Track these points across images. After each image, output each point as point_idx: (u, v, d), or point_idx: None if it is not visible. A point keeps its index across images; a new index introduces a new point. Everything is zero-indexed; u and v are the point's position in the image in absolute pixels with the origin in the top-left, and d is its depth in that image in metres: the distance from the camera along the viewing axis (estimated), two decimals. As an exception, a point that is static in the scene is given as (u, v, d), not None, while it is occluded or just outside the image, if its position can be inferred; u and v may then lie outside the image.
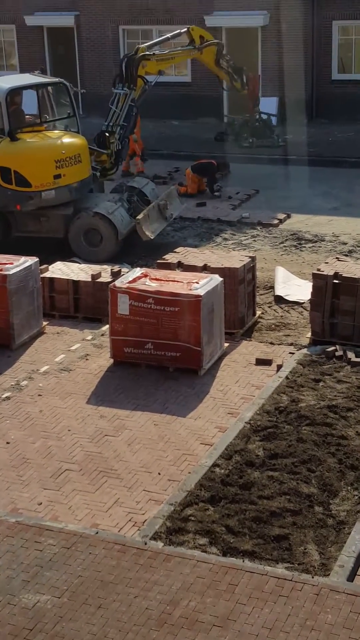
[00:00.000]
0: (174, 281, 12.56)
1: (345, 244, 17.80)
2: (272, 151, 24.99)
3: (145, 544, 8.65)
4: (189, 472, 9.88)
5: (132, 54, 19.38)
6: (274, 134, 26.07)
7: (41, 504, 9.55)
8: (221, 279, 12.80)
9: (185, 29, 21.77)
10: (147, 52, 19.41)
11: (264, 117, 26.54)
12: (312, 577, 8.01)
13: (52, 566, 8.40)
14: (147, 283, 12.51)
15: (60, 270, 14.88)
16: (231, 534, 8.75)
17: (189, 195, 20.81)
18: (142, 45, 19.68)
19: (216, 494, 9.35)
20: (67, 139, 17.62)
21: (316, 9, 27.30)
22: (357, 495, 9.32)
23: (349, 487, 9.46)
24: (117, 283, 12.59)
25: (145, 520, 9.15)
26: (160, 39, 21.09)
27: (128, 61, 19.15)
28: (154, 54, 19.58)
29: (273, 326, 14.27)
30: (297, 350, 12.88)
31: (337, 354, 12.41)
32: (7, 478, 10.03)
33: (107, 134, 18.68)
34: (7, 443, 10.75)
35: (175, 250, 14.78)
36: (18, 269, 13.36)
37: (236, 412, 11.20)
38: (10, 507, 9.47)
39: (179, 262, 13.92)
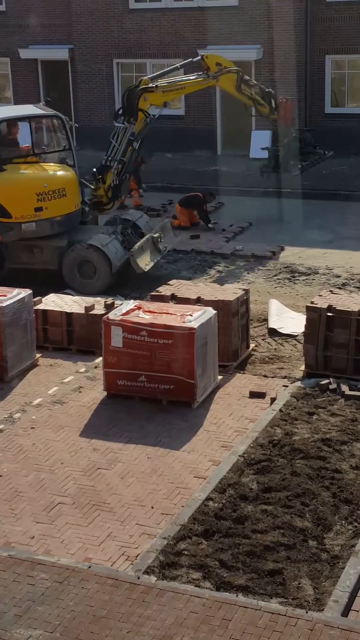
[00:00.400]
0: (168, 313, 12.58)
1: (338, 276, 17.86)
2: (292, 184, 25.05)
3: (138, 578, 8.59)
4: (183, 506, 9.84)
5: (134, 86, 19.11)
6: (317, 148, 23.53)
7: (34, 537, 9.49)
8: (215, 311, 12.83)
9: (200, 57, 20.77)
10: (150, 85, 18.95)
11: (304, 135, 23.49)
12: (306, 612, 7.95)
13: (45, 601, 8.34)
14: (140, 315, 12.53)
15: (54, 302, 14.90)
16: (225, 569, 8.70)
17: (183, 227, 20.90)
18: (145, 77, 19.32)
19: (210, 527, 9.30)
20: (53, 172, 17.67)
21: (309, 43, 27.62)
22: (351, 530, 9.28)
23: (343, 521, 9.42)
24: (111, 315, 12.60)
25: (139, 554, 9.10)
26: (168, 69, 20.31)
27: (129, 94, 18.86)
28: (156, 85, 19.06)
29: (267, 359, 14.28)
30: (291, 383, 12.87)
31: (330, 386, 12.41)
32: (-1, 511, 9.97)
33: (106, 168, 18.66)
34: (0, 476, 10.70)
35: (169, 282, 14.82)
36: (11, 301, 13.37)
37: (230, 445, 11.17)
38: (3, 541, 9.41)
39: (173, 294, 13.95)
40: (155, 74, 19.91)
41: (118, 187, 18.82)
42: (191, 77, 20.15)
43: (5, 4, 30.94)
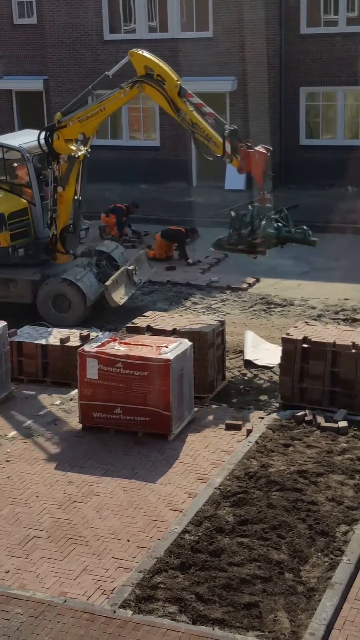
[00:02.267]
0: (143, 345, 12.60)
1: (314, 308, 17.96)
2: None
3: (114, 612, 8.57)
4: (159, 539, 9.82)
5: (50, 125, 17.19)
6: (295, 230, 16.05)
7: (8, 571, 9.43)
8: (190, 343, 12.86)
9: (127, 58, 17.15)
10: (60, 120, 16.86)
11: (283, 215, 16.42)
12: (283, 646, 7.94)
13: (20, 635, 8.29)
14: (116, 347, 12.55)
15: (29, 334, 14.87)
16: (201, 602, 8.68)
17: (157, 259, 20.98)
18: (59, 112, 17.21)
19: (186, 560, 9.29)
20: None
21: (283, 75, 27.88)
22: (327, 562, 9.29)
23: (319, 554, 9.43)
24: (86, 347, 12.61)
25: (114, 588, 9.06)
26: (81, 94, 17.59)
27: (46, 134, 16.95)
28: (66, 122, 16.81)
29: (243, 390, 14.31)
30: (267, 414, 12.91)
31: (306, 418, 12.46)
32: (-26, 546, 9.90)
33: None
34: (-25, 509, 10.64)
35: (144, 314, 14.85)
36: (-13, 333, 13.34)
37: (206, 478, 11.16)
38: (-23, 576, 9.34)
39: (148, 326, 13.99)
40: (68, 105, 17.47)
41: (63, 241, 17.34)
42: (107, 94, 17.11)
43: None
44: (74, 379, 13.29)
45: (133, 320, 14.51)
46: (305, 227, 15.64)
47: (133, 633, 8.23)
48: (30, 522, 10.33)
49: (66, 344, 14.24)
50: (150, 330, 13.85)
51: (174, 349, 12.45)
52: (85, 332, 14.92)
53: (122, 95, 16.84)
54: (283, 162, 28.24)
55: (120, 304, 17.13)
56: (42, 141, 17.02)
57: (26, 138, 18.20)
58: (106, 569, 9.41)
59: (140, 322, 14.24)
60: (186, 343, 12.77)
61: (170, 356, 12.20)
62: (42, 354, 14.36)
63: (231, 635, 8.11)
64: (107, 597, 8.91)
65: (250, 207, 15.88)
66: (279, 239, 15.69)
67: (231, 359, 15.43)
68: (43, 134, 17.01)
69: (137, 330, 13.82)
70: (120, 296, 17.19)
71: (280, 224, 15.58)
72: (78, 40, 29.36)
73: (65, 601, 8.77)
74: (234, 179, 28.06)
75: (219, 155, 16.08)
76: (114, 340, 12.80)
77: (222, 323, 14.28)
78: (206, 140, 16.09)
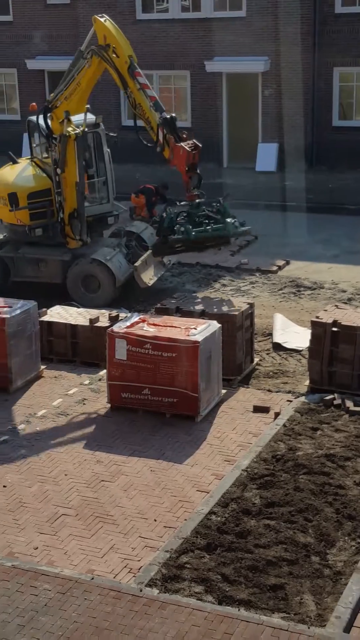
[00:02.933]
0: (172, 327, 12.63)
1: (344, 291, 17.88)
2: (297, 197, 24.36)
3: (141, 590, 8.63)
4: (185, 519, 9.88)
5: (45, 105, 17.18)
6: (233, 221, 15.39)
7: (37, 548, 9.53)
8: (219, 325, 12.87)
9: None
10: (50, 100, 16.95)
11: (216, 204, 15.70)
12: (308, 628, 7.98)
13: (48, 611, 8.38)
14: (145, 328, 12.58)
15: (59, 314, 14.95)
16: (227, 583, 8.73)
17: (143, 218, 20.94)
18: (52, 93, 17.10)
19: (212, 541, 9.34)
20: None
21: (317, 55, 27.64)
22: (354, 546, 9.30)
23: (346, 537, 9.44)
24: (115, 328, 12.66)
25: (141, 566, 9.13)
26: (65, 74, 16.98)
27: (44, 116, 16.99)
28: (55, 102, 16.80)
29: (271, 373, 14.31)
30: (295, 398, 12.91)
31: (335, 402, 12.45)
32: (3, 522, 10.00)
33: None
34: (4, 487, 10.74)
35: (173, 295, 14.88)
36: (16, 312, 13.42)
37: (233, 460, 11.20)
38: (6, 551, 9.45)
39: (177, 307, 13.99)
40: (58, 87, 17.08)
41: (71, 226, 17.26)
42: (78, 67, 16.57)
43: (12, 14, 31.10)
44: (102, 359, 13.35)
45: (162, 302, 14.54)
46: (230, 220, 15.01)
47: (159, 612, 8.30)
48: (59, 500, 10.42)
49: (95, 324, 14.31)
50: (179, 311, 13.86)
51: (202, 330, 12.46)
52: (114, 312, 14.97)
53: (87, 66, 16.34)
54: (315, 144, 28.07)
55: (150, 285, 17.12)
56: (42, 123, 17.01)
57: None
58: (133, 548, 9.49)
59: (169, 303, 14.26)
60: (215, 325, 12.79)
61: (199, 338, 12.23)
62: (72, 334, 14.43)
63: (257, 617, 8.16)
64: (134, 576, 8.99)
65: (169, 209, 15.61)
66: (193, 242, 15.06)
67: (260, 341, 15.43)
68: (42, 116, 16.96)
69: (166, 312, 13.84)
70: (149, 277, 17.19)
71: (201, 221, 14.91)
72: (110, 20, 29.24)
73: (92, 578, 8.86)
74: (265, 160, 28.01)
75: (155, 142, 15.71)
76: (143, 321, 12.84)
77: (251, 305, 14.28)
78: (146, 123, 15.79)
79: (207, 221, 15.01)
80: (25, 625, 8.20)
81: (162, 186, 23.24)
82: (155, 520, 9.96)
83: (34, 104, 17.84)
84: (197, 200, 15.07)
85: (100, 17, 16.16)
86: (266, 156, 27.84)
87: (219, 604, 8.44)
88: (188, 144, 15.21)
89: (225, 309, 13.84)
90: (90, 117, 17.44)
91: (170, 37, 28.75)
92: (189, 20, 28.45)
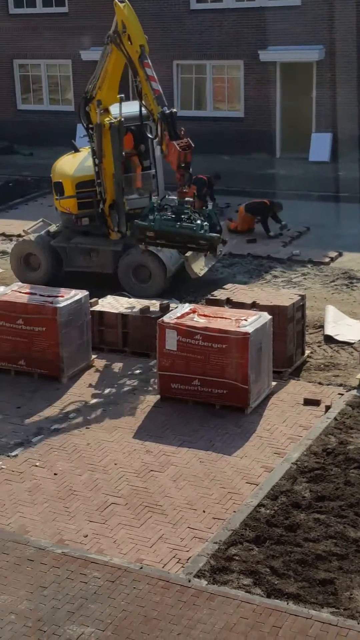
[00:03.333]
0: (223, 318, 12.62)
1: None
2: (351, 188, 24.16)
3: (189, 581, 8.67)
4: (234, 511, 9.88)
5: (84, 96, 17.12)
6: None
7: (87, 536, 9.61)
8: (270, 316, 12.83)
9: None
10: (87, 90, 16.87)
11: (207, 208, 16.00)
12: (358, 624, 7.95)
13: (97, 599, 8.46)
14: (195, 319, 12.58)
15: (110, 304, 15.02)
16: (276, 576, 8.73)
17: (238, 232, 20.90)
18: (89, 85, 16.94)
19: (261, 534, 9.34)
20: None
21: (373, 43, 27.31)
22: None
23: None
24: (166, 318, 12.68)
25: (190, 557, 9.16)
26: (98, 61, 16.94)
27: (84, 107, 16.92)
28: (91, 92, 16.77)
29: (322, 366, 14.22)
30: (347, 391, 12.82)
31: (386, 396, 12.35)
32: (54, 509, 10.11)
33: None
34: (55, 474, 10.85)
35: (224, 286, 14.83)
36: (68, 302, 13.52)
37: (283, 452, 11.18)
38: (57, 539, 9.55)
39: (228, 298, 13.97)
40: (92, 76, 17.00)
41: (114, 219, 17.13)
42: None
43: (67, 6, 31.20)
44: (153, 350, 13.40)
45: (213, 293, 14.51)
46: (200, 222, 14.82)
47: (207, 603, 8.33)
48: (109, 489, 10.50)
49: (146, 315, 14.36)
50: (230, 302, 13.84)
51: (253, 322, 12.44)
52: (165, 303, 14.99)
53: (108, 51, 16.30)
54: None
55: (200, 275, 17.10)
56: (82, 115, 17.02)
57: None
58: (182, 538, 9.52)
59: (219, 294, 14.24)
60: (266, 317, 12.75)
61: (250, 329, 12.20)
62: (123, 324, 14.50)
63: (306, 611, 8.14)
64: (182, 566, 9.02)
65: (157, 199, 15.62)
66: (162, 235, 14.96)
67: (311, 333, 15.35)
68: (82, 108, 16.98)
69: (217, 303, 13.83)
70: (200, 268, 17.18)
71: (178, 218, 14.81)
72: (164, 10, 29.22)
73: (141, 568, 8.92)
74: (318, 151, 27.76)
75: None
76: (194, 312, 12.85)
77: (303, 297, 14.20)
78: (150, 115, 15.71)
79: (184, 218, 14.88)
80: (74, 612, 8.29)
81: (214, 176, 23.16)
82: (204, 512, 9.99)
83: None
84: (186, 199, 15.06)
85: (121, 1, 16.02)
86: (320, 146, 27.59)
87: (267, 596, 8.44)
88: (181, 142, 15.08)
89: (276, 300, 13.79)
90: (135, 110, 17.42)
91: (224, 26, 28.62)
92: (243, 10, 28.28)
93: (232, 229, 20.59)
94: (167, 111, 15.25)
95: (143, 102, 15.68)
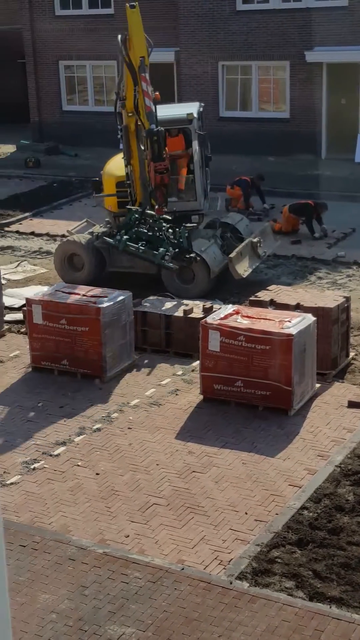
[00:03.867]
0: (266, 319, 12.55)
1: None
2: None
3: (231, 583, 8.63)
4: (277, 514, 9.82)
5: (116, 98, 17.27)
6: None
7: (128, 536, 9.60)
8: (314, 318, 12.73)
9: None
10: (118, 92, 17.09)
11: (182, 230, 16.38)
12: None
13: (138, 599, 8.45)
14: (238, 320, 12.53)
15: (153, 304, 15.02)
16: (318, 579, 8.65)
17: (283, 233, 20.80)
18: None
19: (304, 537, 9.26)
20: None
21: None
22: None
23: None
24: (209, 319, 12.64)
25: (231, 559, 9.12)
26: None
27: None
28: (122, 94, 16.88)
29: (366, 368, 14.10)
30: (391, 394, 12.69)
31: None
32: (95, 509, 10.12)
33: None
34: (97, 474, 10.87)
35: (268, 287, 14.75)
36: (111, 302, 13.54)
37: (326, 455, 11.08)
38: (98, 538, 9.56)
39: (272, 300, 13.89)
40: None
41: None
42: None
43: (113, 7, 31.31)
44: (196, 350, 13.36)
45: (256, 294, 14.44)
46: (163, 250, 15.36)
47: (249, 605, 8.28)
48: (150, 490, 10.49)
49: (189, 316, 14.33)
50: (274, 304, 13.77)
51: (297, 323, 12.35)
52: (208, 303, 14.96)
53: (120, 56, 16.53)
54: None
55: (244, 276, 17.10)
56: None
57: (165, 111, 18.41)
58: (223, 540, 9.48)
59: (263, 295, 14.17)
60: (310, 318, 12.66)
61: (293, 331, 12.12)
62: (166, 324, 14.49)
63: (349, 615, 8.06)
64: (224, 568, 8.98)
65: (134, 212, 16.11)
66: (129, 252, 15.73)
67: (356, 335, 15.20)
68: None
69: (260, 304, 13.76)
70: (244, 269, 17.15)
71: (147, 238, 15.42)
72: (211, 11, 29.20)
73: (183, 569, 8.89)
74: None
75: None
76: (237, 313, 12.80)
77: (348, 299, 14.07)
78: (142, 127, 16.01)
79: (158, 235, 15.41)
80: (115, 612, 8.28)
81: (258, 177, 23.10)
82: (246, 513, 9.93)
83: (157, 93, 17.91)
84: (163, 216, 15.54)
85: (131, 6, 16.06)
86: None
87: (309, 600, 8.37)
88: (159, 166, 15.44)
89: (320, 302, 13.68)
90: (180, 113, 17.47)
91: (270, 27, 28.53)
92: (289, 10, 28.15)
93: (277, 230, 20.49)
94: (155, 129, 15.48)
95: (137, 113, 15.91)
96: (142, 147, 16.52)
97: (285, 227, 21.01)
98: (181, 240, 15.85)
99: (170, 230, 15.81)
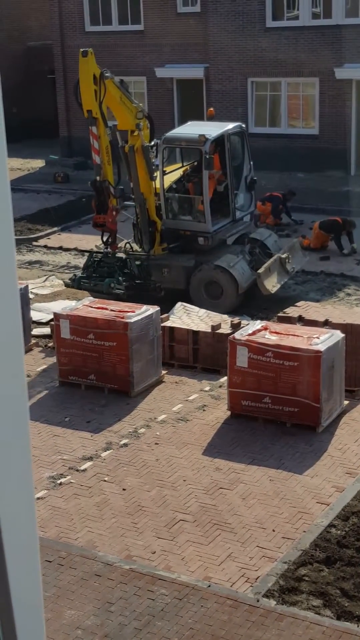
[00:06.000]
0: (294, 335, 12.50)
1: None
2: None
3: (258, 601, 8.56)
4: (304, 531, 9.74)
5: None
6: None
7: (155, 552, 9.56)
8: (343, 335, 12.66)
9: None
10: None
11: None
12: None
13: (164, 616, 8.39)
14: (266, 336, 12.49)
15: (181, 319, 15.00)
16: (346, 598, 8.56)
17: (312, 249, 20.74)
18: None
19: (332, 555, 9.18)
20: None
21: None
22: None
23: None
24: (237, 335, 12.60)
25: (258, 577, 9.05)
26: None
27: None
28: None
29: (395, 385, 13.97)
30: None
31: None
32: (122, 524, 10.09)
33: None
34: (124, 490, 10.84)
35: (296, 304, 14.73)
36: (139, 317, 13.54)
37: (355, 472, 10.99)
38: (125, 554, 9.52)
39: (300, 316, 13.85)
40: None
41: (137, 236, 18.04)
42: None
43: (143, 24, 31.51)
44: (223, 366, 13.33)
45: (285, 310, 14.42)
46: (109, 280, 16.37)
47: (276, 623, 8.20)
48: (177, 505, 10.44)
49: (217, 331, 14.30)
50: (302, 320, 13.72)
51: (325, 340, 12.29)
52: (236, 319, 14.93)
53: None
54: None
55: (273, 292, 17.05)
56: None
57: (185, 129, 18.48)
58: (250, 557, 9.41)
59: (292, 311, 14.14)
60: (338, 335, 12.59)
61: (322, 347, 12.06)
62: (194, 339, 14.46)
63: (376, 634, 7.97)
64: (251, 586, 8.91)
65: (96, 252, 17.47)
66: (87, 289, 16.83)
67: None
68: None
69: (289, 320, 13.72)
70: (272, 284, 17.11)
71: (99, 274, 16.53)
72: (240, 28, 29.29)
73: (209, 586, 8.83)
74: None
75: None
76: (265, 329, 12.75)
77: (377, 316, 14.00)
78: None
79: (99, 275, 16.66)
80: (141, 629, 8.23)
81: (289, 193, 23.07)
82: (273, 531, 9.86)
83: (212, 109, 18.16)
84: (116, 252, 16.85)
85: (83, 53, 16.04)
86: None
87: (337, 619, 8.28)
88: (98, 218, 16.51)
89: (349, 318, 13.61)
90: (193, 133, 17.47)
91: (300, 44, 28.56)
92: (319, 27, 28.18)
93: (306, 246, 20.45)
94: (98, 181, 16.31)
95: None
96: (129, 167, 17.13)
97: (314, 244, 20.95)
98: (132, 269, 16.76)
99: (119, 263, 16.82)
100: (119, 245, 18.44)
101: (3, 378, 1.88)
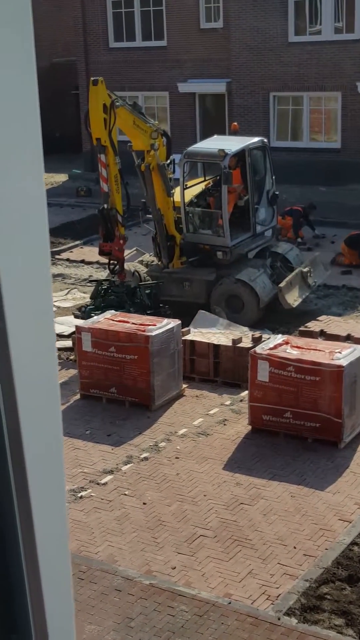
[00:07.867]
0: (316, 350, 12.41)
1: None
2: None
3: (279, 619, 8.46)
4: (326, 549, 9.64)
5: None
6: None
7: (175, 568, 9.49)
8: (365, 349, 12.57)
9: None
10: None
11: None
12: None
13: (184, 633, 8.31)
14: (288, 350, 12.41)
15: (201, 333, 14.95)
16: (368, 617, 8.45)
17: (354, 265, 20.53)
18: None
19: (354, 573, 9.07)
20: None
21: None
22: None
23: None
24: (258, 349, 12.54)
25: (280, 594, 8.95)
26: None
27: None
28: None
29: None
30: None
31: None
32: (142, 539, 10.02)
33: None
34: (144, 504, 10.78)
35: (318, 318, 14.67)
36: (160, 330, 13.51)
37: (377, 489, 10.89)
38: (145, 569, 9.45)
39: (322, 330, 13.78)
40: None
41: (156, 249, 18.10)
42: None
43: (166, 39, 31.60)
44: (244, 380, 13.26)
45: (306, 324, 14.36)
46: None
47: (297, 642, 8.11)
48: (197, 521, 10.37)
49: (238, 345, 14.24)
50: (324, 334, 13.64)
51: (347, 355, 12.20)
52: (257, 333, 14.86)
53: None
54: None
55: (294, 306, 16.96)
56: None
57: (207, 143, 18.45)
58: (271, 575, 9.31)
59: (313, 326, 14.09)
60: (360, 349, 12.50)
61: (344, 362, 11.97)
62: (214, 353, 14.41)
63: None
64: (272, 603, 8.81)
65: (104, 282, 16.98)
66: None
67: None
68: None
69: (310, 334, 13.66)
70: (294, 298, 17.03)
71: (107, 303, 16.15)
72: (262, 43, 29.32)
73: (230, 603, 8.74)
74: None
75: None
76: (286, 343, 12.68)
77: None
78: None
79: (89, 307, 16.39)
80: (161, 646, 8.16)
81: (309, 206, 23.00)
82: (294, 547, 9.77)
83: (236, 123, 18.20)
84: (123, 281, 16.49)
85: (94, 82, 15.98)
86: None
87: (359, 638, 8.17)
88: (105, 246, 16.27)
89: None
90: (212, 149, 17.46)
91: (322, 58, 28.55)
92: (341, 42, 28.16)
93: (347, 264, 20.40)
94: (106, 209, 16.14)
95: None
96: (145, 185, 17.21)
97: (347, 261, 20.78)
98: (143, 299, 16.42)
99: (128, 292, 16.54)
100: (140, 259, 18.46)
101: (39, 393, 1.88)
